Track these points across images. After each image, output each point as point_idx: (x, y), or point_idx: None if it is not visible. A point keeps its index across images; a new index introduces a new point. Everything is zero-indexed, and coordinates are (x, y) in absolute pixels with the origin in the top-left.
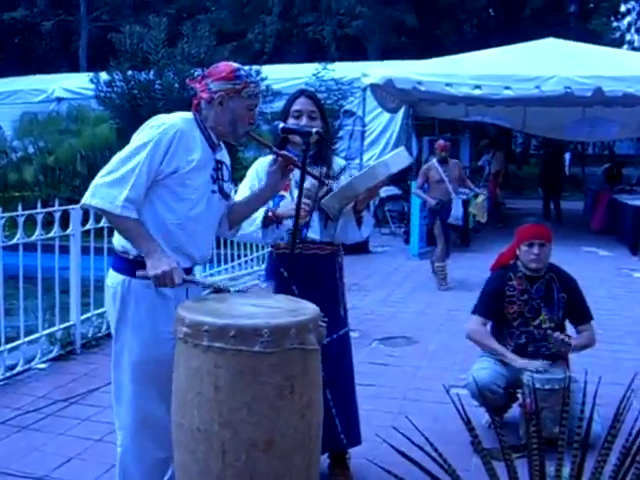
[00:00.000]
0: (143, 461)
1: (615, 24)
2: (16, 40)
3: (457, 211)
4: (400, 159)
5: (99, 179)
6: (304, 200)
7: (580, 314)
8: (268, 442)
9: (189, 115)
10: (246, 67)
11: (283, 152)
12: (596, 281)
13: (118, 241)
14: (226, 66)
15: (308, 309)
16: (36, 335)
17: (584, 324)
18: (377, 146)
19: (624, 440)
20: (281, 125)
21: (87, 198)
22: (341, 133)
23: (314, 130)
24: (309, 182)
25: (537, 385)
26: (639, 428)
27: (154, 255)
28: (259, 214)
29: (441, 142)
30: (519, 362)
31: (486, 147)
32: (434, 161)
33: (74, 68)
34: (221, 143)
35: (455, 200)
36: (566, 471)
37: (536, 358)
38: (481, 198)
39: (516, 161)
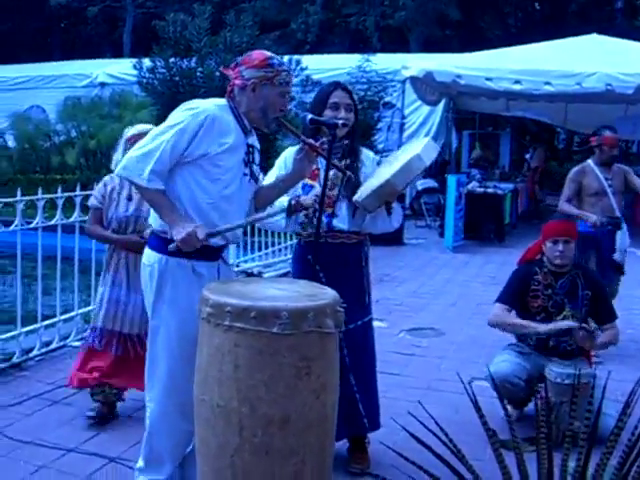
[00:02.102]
0: (171, 433)
1: None
2: (62, 25)
3: (624, 241)
4: (430, 150)
5: (132, 152)
6: (332, 193)
7: (604, 313)
8: (284, 419)
9: (223, 101)
10: (286, 57)
11: (310, 140)
12: (633, 282)
13: (155, 221)
14: (259, 54)
15: (327, 294)
16: (72, 314)
17: (608, 323)
18: (416, 139)
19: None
20: (309, 116)
21: (119, 169)
22: (380, 125)
23: (340, 122)
24: (334, 172)
25: (557, 379)
26: None
27: (177, 223)
28: (282, 203)
29: (608, 133)
30: (546, 327)
31: (530, 143)
32: (590, 162)
33: (118, 54)
34: (252, 129)
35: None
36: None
37: (558, 352)
38: None
39: (558, 157)
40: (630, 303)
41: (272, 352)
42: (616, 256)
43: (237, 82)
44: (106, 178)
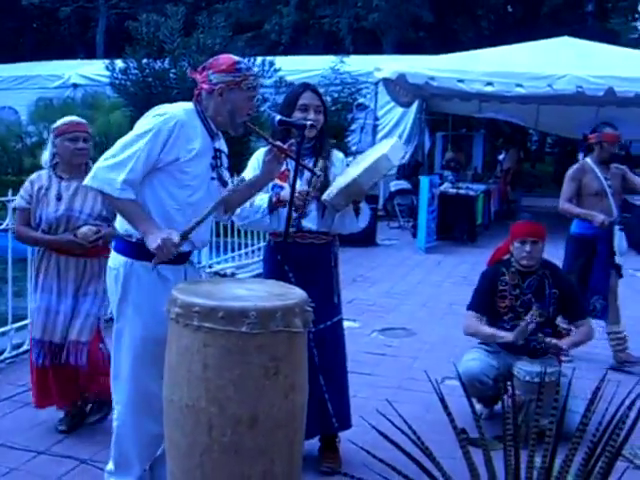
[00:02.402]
0: (139, 435)
1: (634, 24)
2: (34, 25)
3: (621, 242)
4: (397, 150)
5: (101, 162)
6: (303, 188)
7: (575, 311)
8: (252, 419)
9: (190, 105)
10: (260, 58)
11: (277, 142)
12: None
13: (121, 225)
14: (227, 59)
15: (295, 294)
16: None
17: (580, 320)
18: (386, 139)
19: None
20: (278, 117)
21: (88, 180)
22: (353, 126)
23: (308, 123)
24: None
25: (527, 378)
26: (609, 419)
27: (151, 232)
28: (263, 202)
29: (608, 130)
30: (512, 335)
31: (502, 144)
32: (588, 160)
33: (91, 55)
34: (219, 132)
35: (615, 226)
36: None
37: (527, 351)
38: None
39: (530, 159)
40: None
41: (241, 352)
42: (618, 259)
43: (205, 86)
44: (33, 176)
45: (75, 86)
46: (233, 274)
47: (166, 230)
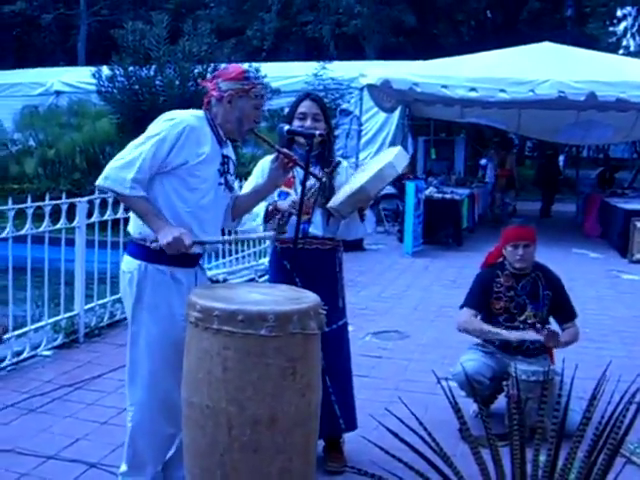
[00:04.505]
0: (153, 436)
1: (612, 29)
2: (14, 32)
3: None
4: (402, 159)
5: (112, 163)
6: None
7: (565, 312)
8: (271, 419)
9: (200, 112)
10: (246, 65)
11: (284, 150)
12: (585, 282)
13: (135, 228)
14: (236, 68)
15: (309, 298)
16: (42, 323)
17: (569, 322)
18: (373, 145)
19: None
20: (286, 127)
21: (100, 180)
22: (338, 132)
23: (317, 132)
24: (311, 181)
25: (523, 377)
26: (610, 415)
27: (164, 228)
28: (260, 209)
29: None
30: (514, 335)
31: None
32: None
33: (72, 62)
34: (227, 139)
35: None
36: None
37: (521, 352)
38: None
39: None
40: (583, 303)
41: (259, 354)
42: None
43: (214, 94)
44: None
45: (58, 93)
46: (225, 280)
47: (181, 229)
